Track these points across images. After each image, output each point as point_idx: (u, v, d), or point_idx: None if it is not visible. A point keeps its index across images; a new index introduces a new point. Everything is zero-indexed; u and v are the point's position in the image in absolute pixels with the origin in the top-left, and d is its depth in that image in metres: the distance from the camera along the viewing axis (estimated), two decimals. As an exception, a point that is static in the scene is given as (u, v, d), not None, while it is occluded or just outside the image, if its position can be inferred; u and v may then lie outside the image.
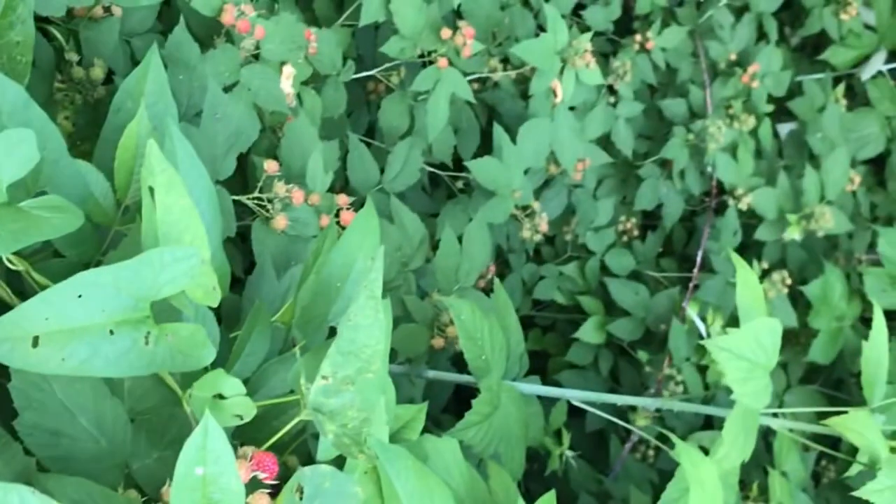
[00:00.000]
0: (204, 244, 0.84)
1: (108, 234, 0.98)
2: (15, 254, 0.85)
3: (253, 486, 0.80)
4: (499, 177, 1.77)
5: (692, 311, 2.05)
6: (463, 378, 1.54)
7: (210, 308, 0.89)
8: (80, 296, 0.77)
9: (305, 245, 1.35)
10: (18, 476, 0.80)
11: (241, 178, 1.42)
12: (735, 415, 1.33)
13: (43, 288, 0.78)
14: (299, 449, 1.04)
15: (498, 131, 1.80)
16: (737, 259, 1.46)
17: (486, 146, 1.90)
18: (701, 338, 1.98)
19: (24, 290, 0.94)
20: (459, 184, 1.96)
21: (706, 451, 1.34)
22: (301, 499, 0.82)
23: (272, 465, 0.81)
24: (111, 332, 0.78)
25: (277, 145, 1.48)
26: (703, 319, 2.02)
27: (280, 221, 1.31)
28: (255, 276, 1.23)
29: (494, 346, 1.39)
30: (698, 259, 2.21)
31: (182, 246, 0.83)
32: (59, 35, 1.27)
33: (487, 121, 2.02)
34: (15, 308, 0.75)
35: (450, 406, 1.93)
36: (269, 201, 1.32)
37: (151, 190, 0.83)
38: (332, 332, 1.01)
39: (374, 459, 0.91)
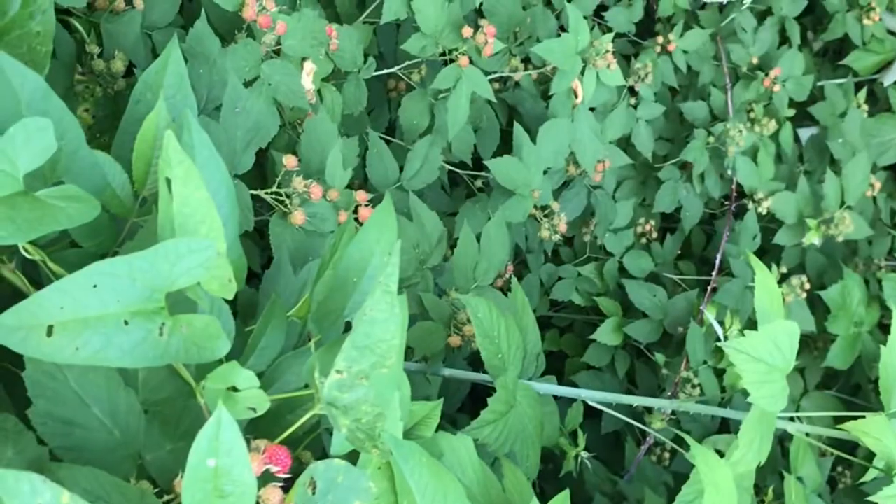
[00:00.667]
0: (220, 236, 0.84)
1: (126, 225, 0.98)
2: (31, 243, 0.85)
3: (266, 479, 0.80)
4: (518, 176, 1.77)
5: (710, 315, 2.04)
6: (479, 377, 1.54)
7: (226, 301, 0.89)
8: (95, 286, 0.77)
9: (323, 240, 1.35)
10: (31, 465, 0.80)
11: (260, 173, 1.43)
12: (751, 418, 1.33)
13: (58, 278, 0.78)
14: (313, 443, 1.04)
15: (518, 131, 1.80)
16: (756, 262, 1.45)
17: (505, 145, 1.89)
18: (718, 341, 1.97)
19: (39, 280, 0.94)
20: (478, 183, 1.96)
21: (722, 455, 1.33)
22: (314, 493, 0.81)
23: (285, 458, 0.81)
24: (126, 323, 0.78)
25: (297, 141, 1.48)
26: (721, 323, 2.01)
27: (298, 217, 1.31)
28: (272, 271, 1.23)
29: (511, 345, 1.39)
30: (717, 262, 2.21)
31: (198, 238, 0.83)
32: (80, 27, 1.27)
33: (507, 120, 2.02)
34: (30, 297, 0.75)
35: (466, 405, 1.93)
36: (288, 196, 1.32)
37: (168, 181, 0.83)
38: (348, 326, 1.01)
39: (388, 455, 0.91)
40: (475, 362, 1.62)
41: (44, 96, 0.88)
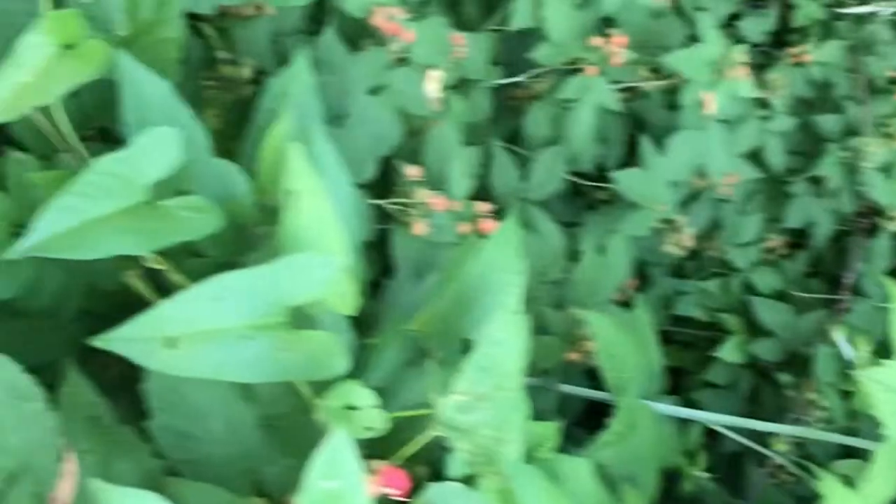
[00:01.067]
0: (343, 251, 0.83)
1: (249, 236, 0.97)
2: (155, 253, 0.85)
3: (381, 500, 0.79)
4: (644, 189, 1.73)
5: (839, 336, 1.97)
6: (597, 394, 1.51)
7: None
8: (217, 299, 0.76)
9: (443, 252, 1.33)
10: (144, 478, 0.80)
11: (382, 182, 1.41)
12: (885, 449, 1.27)
13: (181, 288, 0.78)
14: (427, 458, 1.02)
15: (645, 142, 1.76)
16: (890, 285, 1.40)
17: (630, 156, 1.86)
18: (847, 363, 1.91)
19: (161, 288, 0.94)
20: (601, 194, 1.93)
21: (848, 480, 1.28)
22: (429, 516, 0.80)
23: (402, 480, 0.80)
24: (246, 337, 0.77)
25: (420, 150, 1.47)
26: (851, 345, 1.94)
27: (420, 227, 1.29)
28: (392, 283, 1.21)
29: (633, 363, 1.36)
30: (848, 281, 2.14)
31: (321, 251, 0.82)
32: (210, 33, 1.27)
33: (633, 130, 1.98)
34: (152, 309, 0.75)
35: (581, 418, 1.90)
36: (410, 206, 1.31)
37: (293, 193, 0.82)
38: (468, 344, 0.99)
39: (508, 479, 0.88)
40: (592, 377, 1.59)
41: (172, 104, 0.88)
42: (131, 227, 0.79)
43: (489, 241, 1.01)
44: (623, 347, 1.34)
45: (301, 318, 0.81)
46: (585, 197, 1.99)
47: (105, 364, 0.87)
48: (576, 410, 1.85)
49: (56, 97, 0.82)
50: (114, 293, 0.96)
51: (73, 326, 0.99)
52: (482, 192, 1.65)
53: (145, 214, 0.80)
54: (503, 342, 0.83)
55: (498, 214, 1.46)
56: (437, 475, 0.87)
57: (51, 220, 0.77)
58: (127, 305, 0.95)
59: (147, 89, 0.87)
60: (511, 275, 0.92)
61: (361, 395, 0.81)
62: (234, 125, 1.27)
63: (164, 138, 0.81)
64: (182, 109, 0.89)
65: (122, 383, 0.85)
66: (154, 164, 0.80)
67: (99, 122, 0.98)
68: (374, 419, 0.82)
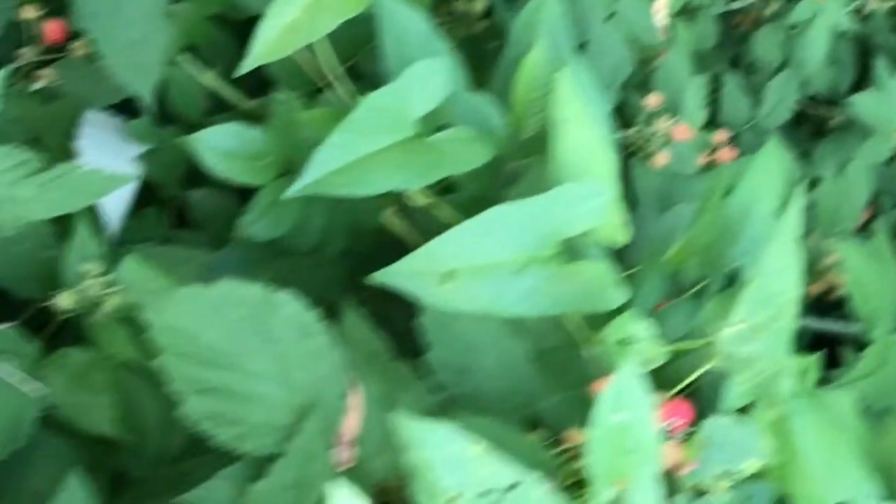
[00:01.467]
0: (612, 179, 0.81)
1: (505, 169, 0.96)
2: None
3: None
4: (880, 113, 1.65)
5: None
6: (838, 327, 1.46)
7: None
8: (489, 233, 0.75)
9: (684, 183, 1.29)
10: (426, 412, 0.79)
11: (613, 113, 1.39)
12: None
13: (440, 223, 0.77)
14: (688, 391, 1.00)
15: (880, 64, 1.69)
16: None
17: (860, 80, 1.78)
18: None
19: (416, 225, 0.94)
20: (832, 121, 1.85)
21: None
22: (707, 450, 0.78)
23: (687, 412, 0.78)
24: (519, 271, 0.76)
25: (649, 79, 1.43)
26: None
27: (660, 158, 1.26)
28: (638, 215, 1.19)
29: (882, 294, 1.30)
30: None
31: (591, 181, 0.80)
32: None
33: (861, 53, 1.90)
34: (428, 244, 0.74)
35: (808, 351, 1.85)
36: (648, 137, 1.28)
37: (560, 122, 0.80)
38: (732, 274, 0.96)
39: (783, 412, 0.86)
40: (818, 309, 1.55)
41: (430, 37, 0.87)
42: (402, 162, 0.78)
43: (751, 169, 0.97)
44: (874, 278, 1.28)
45: (571, 251, 0.80)
46: (812, 124, 1.92)
47: (359, 303, 0.87)
48: (803, 343, 1.80)
49: (322, 34, 0.82)
50: (372, 231, 0.97)
51: (336, 264, 1.00)
52: (710, 121, 1.61)
53: (415, 149, 0.79)
54: (778, 271, 0.80)
55: (732, 143, 1.43)
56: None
57: (325, 158, 0.77)
58: (384, 244, 0.96)
59: (405, 23, 0.86)
60: (781, 202, 0.88)
61: (639, 327, 0.79)
62: (466, 61, 1.26)
63: (429, 71, 0.80)
64: (440, 43, 0.88)
65: (393, 320, 0.85)
66: (421, 97, 0.80)
67: (351, 58, 0.98)
68: (651, 351, 0.80)
